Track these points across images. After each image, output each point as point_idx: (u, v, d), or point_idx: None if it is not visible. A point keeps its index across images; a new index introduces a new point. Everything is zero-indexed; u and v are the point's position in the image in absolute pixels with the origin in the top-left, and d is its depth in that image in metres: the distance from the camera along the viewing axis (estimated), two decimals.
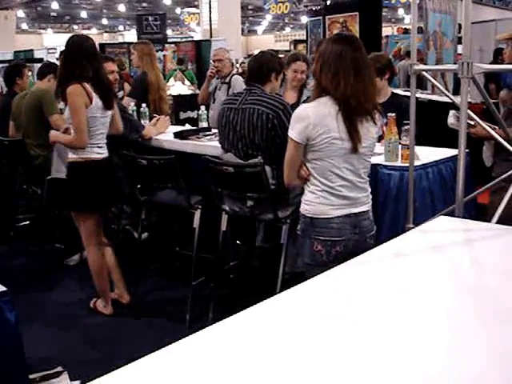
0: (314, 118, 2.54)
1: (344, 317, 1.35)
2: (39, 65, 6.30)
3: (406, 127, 3.08)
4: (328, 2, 7.93)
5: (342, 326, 1.31)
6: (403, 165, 3.10)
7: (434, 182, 3.20)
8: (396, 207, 2.94)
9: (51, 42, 28.35)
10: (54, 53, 13.70)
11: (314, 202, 2.63)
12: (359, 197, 2.63)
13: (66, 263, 4.84)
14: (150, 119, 4.86)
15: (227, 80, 5.42)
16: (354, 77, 2.49)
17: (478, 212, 3.42)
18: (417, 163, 3.09)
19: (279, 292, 3.27)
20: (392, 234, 2.83)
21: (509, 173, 2.68)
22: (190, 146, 4.25)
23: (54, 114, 4.66)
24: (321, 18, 7.38)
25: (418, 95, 6.30)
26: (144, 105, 4.94)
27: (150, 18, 14.41)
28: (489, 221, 2.32)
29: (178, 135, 4.40)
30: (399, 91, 6.22)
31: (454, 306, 1.40)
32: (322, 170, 2.59)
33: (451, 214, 2.75)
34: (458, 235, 1.89)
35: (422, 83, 6.66)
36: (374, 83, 2.67)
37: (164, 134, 4.61)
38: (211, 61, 5.72)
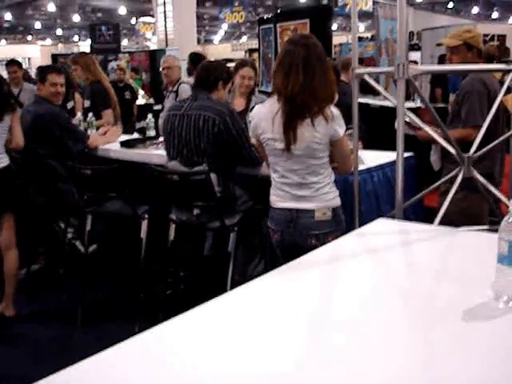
0: (256, 119, 2.80)
1: (279, 324, 1.31)
2: None
3: (350, 131, 3.06)
4: (279, 11, 7.96)
5: (275, 333, 1.27)
6: None
7: (379, 185, 3.20)
8: (343, 212, 2.91)
9: (4, 53, 27.83)
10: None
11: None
12: (301, 195, 2.72)
13: None
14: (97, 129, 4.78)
15: (175, 88, 5.37)
16: (305, 76, 2.55)
17: (426, 214, 3.42)
18: (361, 167, 3.09)
19: None
20: None
21: (452, 174, 2.68)
22: (136, 154, 4.19)
23: None
24: (272, 25, 7.39)
25: (369, 101, 6.38)
26: (90, 114, 4.86)
27: (103, 28, 14.24)
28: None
29: (124, 144, 4.33)
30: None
31: (387, 310, 1.37)
32: (270, 165, 2.83)
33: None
34: (395, 237, 1.86)
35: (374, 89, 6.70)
36: (328, 84, 2.66)
37: (112, 143, 4.53)
38: (160, 68, 5.65)
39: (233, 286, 3.40)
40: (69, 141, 4.19)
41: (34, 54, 32.86)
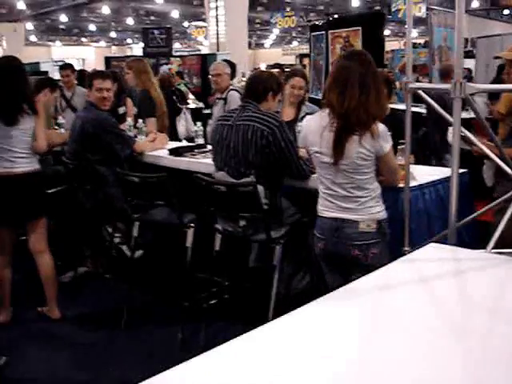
0: (305, 131, 2.90)
1: (320, 359, 1.26)
2: None
3: (402, 146, 2.98)
4: (331, 18, 7.89)
5: (325, 363, 1.23)
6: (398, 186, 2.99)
7: (430, 202, 3.10)
8: (392, 230, 2.83)
9: (59, 55, 28.52)
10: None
11: None
12: (346, 206, 2.74)
13: (60, 280, 4.75)
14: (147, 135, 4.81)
15: (224, 95, 5.35)
16: (361, 93, 2.59)
17: (480, 230, 3.29)
18: (413, 183, 3.00)
19: (272, 314, 3.24)
20: (390, 258, 2.78)
21: (509, 194, 2.57)
22: (184, 162, 4.18)
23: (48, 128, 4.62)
24: (324, 32, 7.32)
25: (419, 110, 6.21)
26: (140, 121, 4.89)
27: (156, 32, 14.41)
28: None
29: (173, 152, 4.34)
30: (402, 107, 6.11)
31: (439, 348, 1.30)
32: (317, 176, 2.89)
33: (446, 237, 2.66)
34: (447, 265, 1.78)
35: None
36: (381, 99, 2.70)
37: (161, 150, 4.55)
38: (209, 76, 5.64)
39: (277, 300, 3.38)
40: (116, 145, 4.21)
41: (88, 55, 33.55)
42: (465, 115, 6.08)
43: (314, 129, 2.77)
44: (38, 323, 4.02)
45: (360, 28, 6.67)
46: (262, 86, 3.41)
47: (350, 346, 1.31)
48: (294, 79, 4.35)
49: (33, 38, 31.17)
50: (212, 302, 3.80)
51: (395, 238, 2.88)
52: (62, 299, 4.34)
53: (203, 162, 3.99)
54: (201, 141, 4.77)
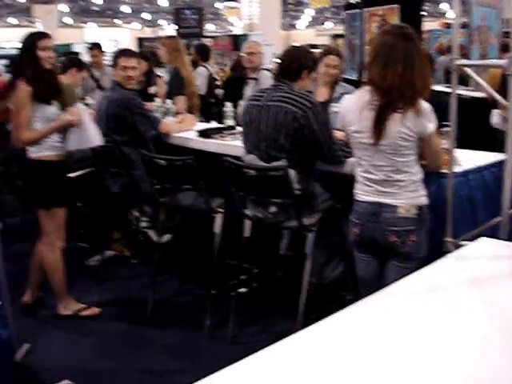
0: (343, 111, 2.72)
1: (371, 358, 1.12)
2: None
3: (446, 129, 2.77)
4: None
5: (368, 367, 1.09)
6: (441, 171, 2.79)
7: (475, 190, 2.89)
8: (433, 218, 2.64)
9: (92, 37, 28.57)
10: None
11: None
12: (386, 191, 2.58)
13: (87, 263, 4.67)
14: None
15: (256, 75, 5.19)
16: (405, 67, 2.43)
17: None
18: (457, 169, 2.79)
19: (304, 304, 3.09)
20: (429, 248, 2.60)
21: None
22: (212, 145, 4.02)
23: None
24: (358, 10, 7.04)
25: (459, 91, 5.94)
26: (169, 101, 4.76)
27: (188, 12, 14.24)
28: None
29: (202, 134, 4.18)
30: (440, 88, 5.86)
31: (495, 365, 1.12)
32: (355, 159, 2.72)
33: (495, 227, 2.46)
34: (503, 264, 1.58)
35: (463, 79, 6.28)
36: (425, 75, 2.52)
37: (188, 131, 4.40)
38: (243, 53, 5.53)
39: (309, 289, 3.23)
40: (141, 126, 4.08)
41: (121, 37, 33.57)
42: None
43: (353, 107, 2.60)
44: None
45: (397, 5, 6.37)
46: (296, 63, 3.19)
47: (393, 356, 1.14)
48: (328, 57, 4.14)
49: (67, 20, 31.28)
50: (241, 290, 3.66)
51: (436, 227, 2.69)
52: (87, 284, 4.28)
53: (232, 145, 3.82)
54: (230, 122, 4.60)
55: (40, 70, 3.43)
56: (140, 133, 4.09)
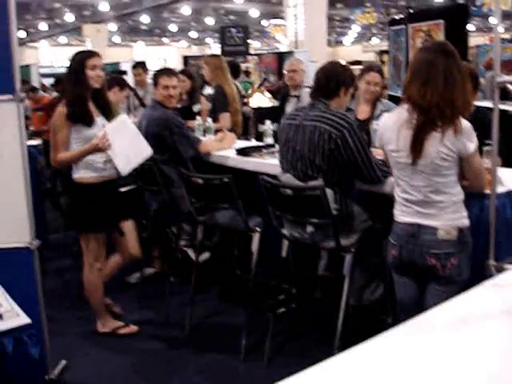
0: (381, 129, 2.67)
1: None
2: None
3: (488, 148, 2.67)
4: (411, 11, 7.51)
5: None
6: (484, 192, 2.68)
7: None
8: (475, 240, 2.54)
9: (141, 55, 29.14)
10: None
11: None
12: (425, 212, 2.50)
13: (127, 280, 4.69)
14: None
15: (297, 93, 5.17)
16: (445, 85, 2.37)
17: None
18: (501, 189, 2.69)
19: (341, 326, 3.01)
20: (472, 270, 2.51)
21: None
22: (250, 163, 3.99)
23: None
24: (403, 26, 6.96)
25: (505, 107, 5.76)
26: (209, 119, 4.77)
27: (233, 30, 14.34)
28: None
29: (240, 151, 4.16)
30: (487, 104, 5.69)
31: None
32: (394, 178, 2.67)
33: None
34: None
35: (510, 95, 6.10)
36: (466, 93, 2.48)
37: (227, 150, 4.39)
38: (285, 71, 5.53)
39: (347, 311, 3.15)
40: (180, 146, 4.09)
41: (169, 55, 34.14)
42: None
43: (391, 125, 2.55)
44: None
45: (442, 21, 6.27)
46: (333, 81, 3.14)
47: None
48: (369, 74, 4.09)
49: (116, 39, 31.99)
50: (279, 310, 3.61)
51: (478, 250, 2.59)
52: (126, 301, 4.28)
53: (270, 163, 3.78)
54: (270, 140, 4.57)
55: (82, 90, 3.46)
56: (179, 152, 4.10)
